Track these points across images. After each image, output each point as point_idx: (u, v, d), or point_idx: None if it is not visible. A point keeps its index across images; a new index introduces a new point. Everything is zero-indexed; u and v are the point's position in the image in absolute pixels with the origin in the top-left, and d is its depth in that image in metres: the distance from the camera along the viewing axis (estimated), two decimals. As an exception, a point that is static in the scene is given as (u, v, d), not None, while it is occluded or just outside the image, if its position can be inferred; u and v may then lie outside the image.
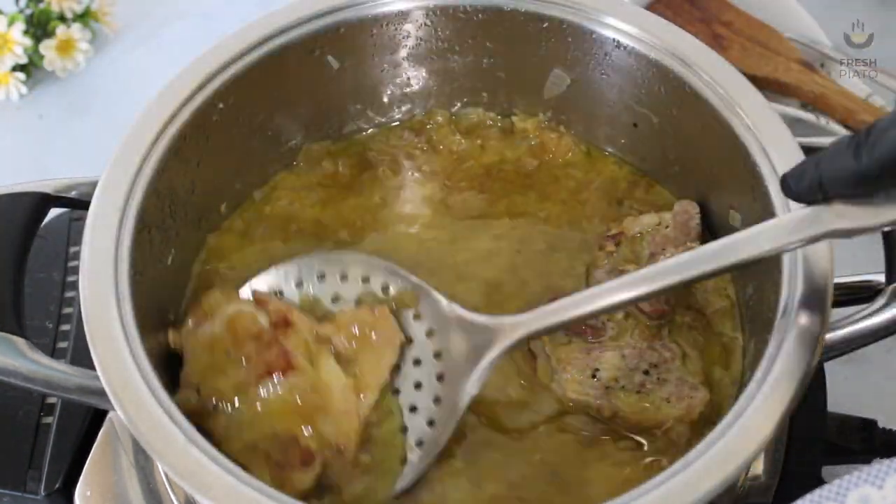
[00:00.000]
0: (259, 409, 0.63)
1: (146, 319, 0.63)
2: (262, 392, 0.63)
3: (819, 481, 0.72)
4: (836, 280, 0.63)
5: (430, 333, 0.67)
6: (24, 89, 1.11)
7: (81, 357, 0.69)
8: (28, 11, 1.12)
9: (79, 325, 0.67)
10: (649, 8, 0.99)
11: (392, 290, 0.68)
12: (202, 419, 0.62)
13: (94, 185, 0.67)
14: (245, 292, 0.69)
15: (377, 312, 0.66)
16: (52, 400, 0.76)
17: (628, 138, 0.79)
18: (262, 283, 0.69)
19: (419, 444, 0.64)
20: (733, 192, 0.71)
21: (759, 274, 0.67)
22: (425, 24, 0.78)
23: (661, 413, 0.66)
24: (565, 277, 0.74)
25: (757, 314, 0.67)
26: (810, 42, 1.05)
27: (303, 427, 0.62)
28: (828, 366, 0.70)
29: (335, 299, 0.68)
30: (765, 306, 0.64)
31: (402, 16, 0.77)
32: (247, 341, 0.65)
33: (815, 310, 0.60)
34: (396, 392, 0.66)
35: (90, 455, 0.72)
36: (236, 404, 0.63)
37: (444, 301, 0.66)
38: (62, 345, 0.79)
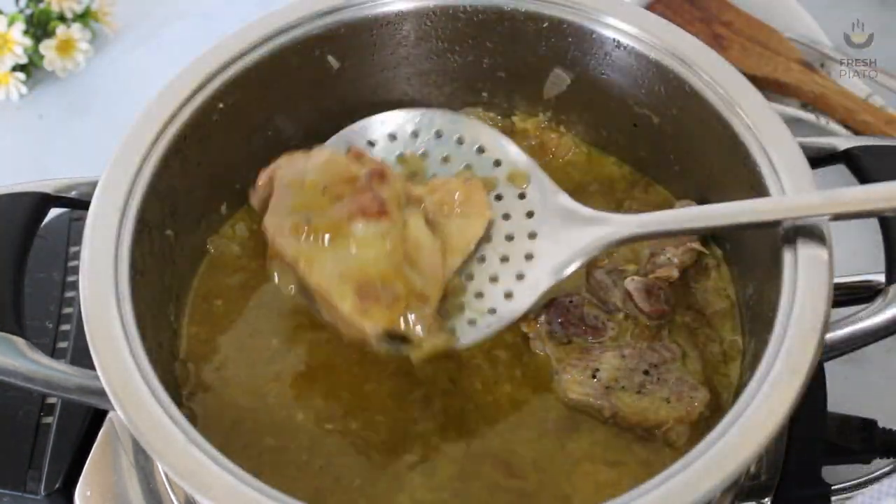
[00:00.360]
0: (350, 245, 0.63)
1: (146, 319, 0.63)
2: (355, 229, 0.63)
3: (819, 481, 0.72)
4: (836, 280, 0.63)
5: (529, 214, 0.68)
6: (24, 89, 1.11)
7: (81, 357, 0.69)
8: (28, 11, 1.12)
9: (79, 325, 0.67)
10: (649, 8, 0.99)
11: (503, 166, 0.69)
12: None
13: (94, 185, 0.67)
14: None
15: (470, 184, 0.67)
16: (52, 400, 0.76)
17: (628, 138, 0.79)
18: (373, 129, 0.71)
19: (492, 311, 0.65)
20: (733, 192, 0.71)
21: (760, 274, 0.67)
22: (425, 24, 0.78)
23: (661, 413, 0.66)
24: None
25: (757, 314, 0.68)
26: (810, 42, 1.05)
27: (391, 270, 0.62)
28: (828, 366, 0.70)
29: (445, 160, 0.70)
30: (765, 306, 0.64)
31: (402, 16, 0.77)
32: (341, 183, 0.65)
33: (815, 310, 0.60)
34: (482, 260, 0.67)
35: (90, 455, 0.72)
36: (327, 239, 0.63)
37: (552, 187, 0.68)
38: (62, 345, 0.79)
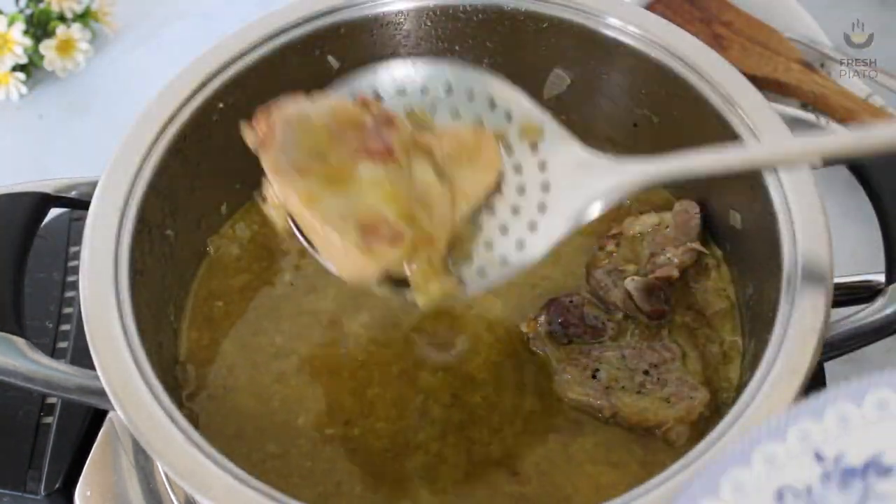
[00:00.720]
0: (356, 184, 0.61)
1: (146, 319, 0.63)
2: (361, 171, 0.62)
3: (819, 481, 0.72)
4: (836, 280, 0.63)
5: (542, 166, 0.65)
6: (24, 89, 1.11)
7: (81, 357, 0.69)
8: (28, 11, 1.12)
9: (79, 325, 0.67)
10: (649, 8, 0.99)
11: (515, 119, 0.66)
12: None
13: (94, 185, 0.67)
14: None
15: (481, 133, 0.66)
16: (52, 400, 0.76)
17: (628, 138, 0.79)
18: (381, 77, 0.68)
19: (503, 261, 0.63)
20: (733, 192, 0.71)
21: (760, 274, 0.67)
22: (425, 24, 0.78)
23: (661, 413, 0.66)
24: (566, 277, 0.74)
25: (757, 314, 0.67)
26: (810, 42, 1.05)
27: (397, 210, 0.61)
28: (828, 366, 0.70)
29: (455, 115, 0.67)
30: (765, 306, 0.64)
31: (402, 16, 0.77)
32: (348, 127, 0.63)
33: (815, 310, 0.60)
34: (492, 212, 0.65)
35: (90, 455, 0.72)
36: (331, 178, 0.62)
37: (567, 137, 0.65)
38: (62, 345, 0.79)
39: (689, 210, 0.74)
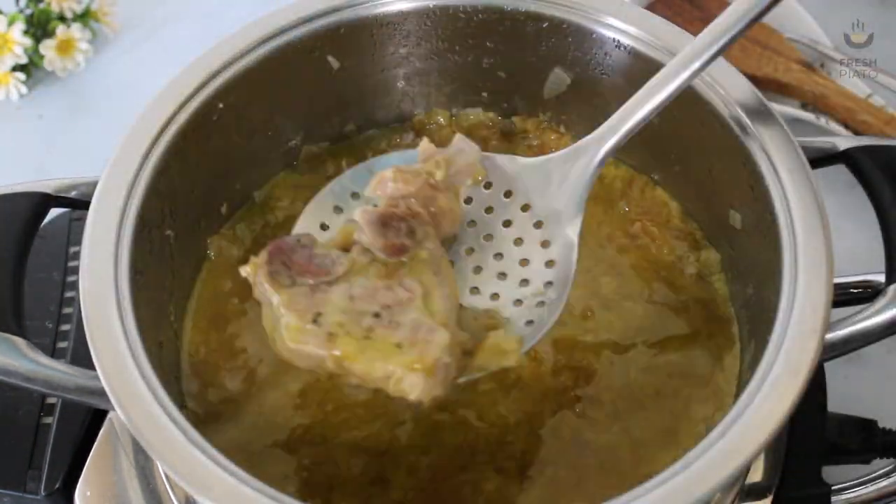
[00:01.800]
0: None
1: (146, 319, 0.63)
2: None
3: (819, 481, 0.72)
4: (836, 280, 0.63)
5: (508, 194, 0.67)
6: (24, 89, 1.11)
7: (81, 357, 0.69)
8: (28, 11, 1.12)
9: (79, 325, 0.67)
10: (649, 8, 0.99)
11: (458, 166, 0.66)
12: None
13: (94, 185, 0.67)
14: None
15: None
16: (52, 400, 0.76)
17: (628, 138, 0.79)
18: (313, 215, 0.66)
19: (540, 304, 0.64)
20: (733, 192, 0.71)
21: (759, 274, 0.67)
22: (425, 24, 0.78)
23: (391, 360, 0.57)
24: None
25: (757, 314, 0.67)
26: (810, 42, 1.05)
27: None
28: (828, 366, 0.70)
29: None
30: (765, 306, 0.64)
31: (402, 16, 0.77)
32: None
33: (815, 310, 0.60)
34: (503, 276, 0.65)
35: (90, 455, 0.72)
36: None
37: (506, 158, 0.67)
38: (62, 345, 0.79)
39: (465, 148, 0.67)
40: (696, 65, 0.64)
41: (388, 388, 0.57)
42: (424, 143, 0.66)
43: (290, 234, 0.63)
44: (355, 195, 0.67)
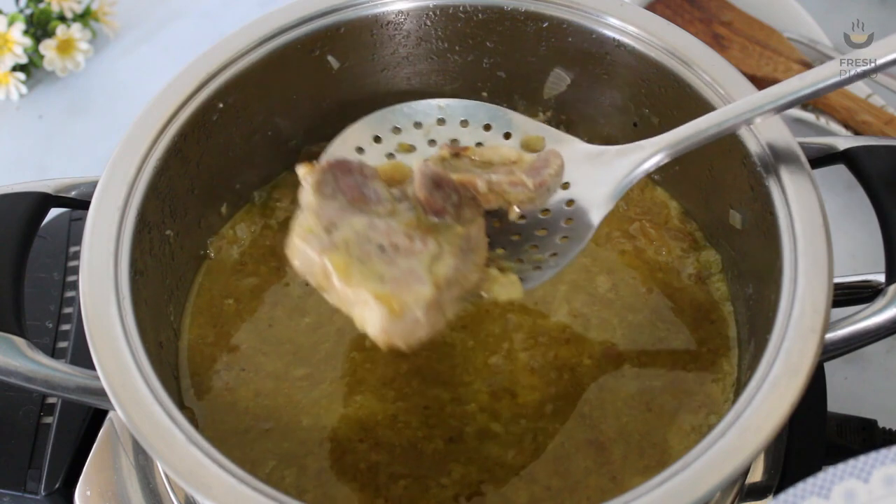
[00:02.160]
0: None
1: (146, 319, 0.63)
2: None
3: (819, 481, 0.72)
4: (836, 280, 0.63)
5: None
6: (24, 89, 1.11)
7: (81, 357, 0.69)
8: (28, 11, 1.12)
9: (79, 325, 0.67)
10: (649, 8, 0.99)
11: (515, 135, 0.70)
12: None
13: (94, 185, 0.67)
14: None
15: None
16: (52, 400, 0.76)
17: (628, 138, 0.79)
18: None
19: (553, 255, 0.65)
20: (733, 191, 0.71)
21: (759, 274, 0.67)
22: (425, 24, 0.78)
23: (367, 286, 0.57)
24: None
25: (757, 314, 0.67)
26: (810, 42, 1.05)
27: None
28: (828, 366, 0.70)
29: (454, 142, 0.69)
30: (765, 306, 0.64)
31: (402, 16, 0.77)
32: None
33: (815, 310, 0.60)
34: (523, 220, 0.67)
35: (90, 455, 0.72)
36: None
37: (569, 138, 0.68)
38: (62, 345, 0.80)
39: (549, 158, 0.68)
40: (763, 109, 0.64)
41: (355, 316, 0.58)
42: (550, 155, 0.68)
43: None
44: (396, 129, 0.71)
